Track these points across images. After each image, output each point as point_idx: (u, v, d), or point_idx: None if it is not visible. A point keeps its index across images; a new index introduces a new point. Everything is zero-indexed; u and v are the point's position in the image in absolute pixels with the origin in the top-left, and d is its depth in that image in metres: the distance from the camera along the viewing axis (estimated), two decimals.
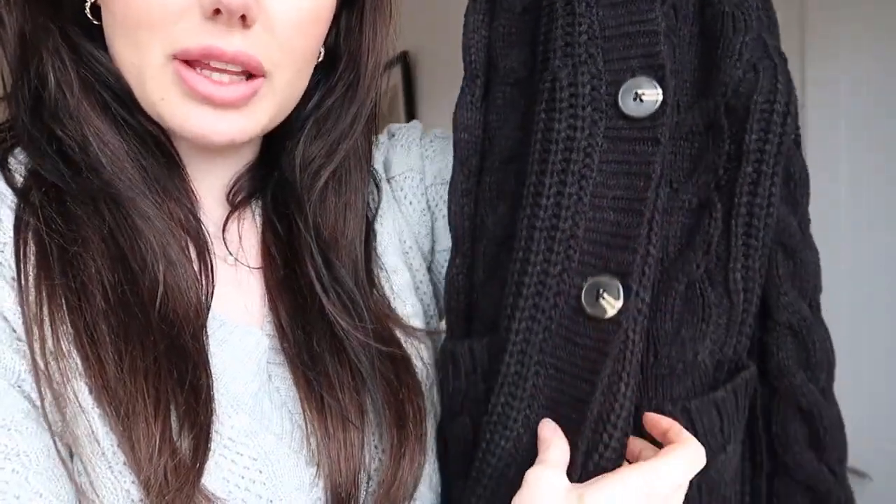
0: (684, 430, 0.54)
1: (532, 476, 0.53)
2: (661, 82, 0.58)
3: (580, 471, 0.54)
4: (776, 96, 0.59)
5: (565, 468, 0.55)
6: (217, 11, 0.54)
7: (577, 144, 0.58)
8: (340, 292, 0.63)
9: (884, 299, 1.47)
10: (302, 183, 0.65)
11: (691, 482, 0.54)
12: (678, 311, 0.58)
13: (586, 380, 0.55)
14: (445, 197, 0.71)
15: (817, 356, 0.64)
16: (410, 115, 2.40)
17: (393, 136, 0.77)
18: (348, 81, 0.66)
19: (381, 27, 0.67)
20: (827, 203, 1.52)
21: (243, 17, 0.54)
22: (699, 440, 0.54)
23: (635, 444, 0.57)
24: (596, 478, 0.53)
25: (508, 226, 0.64)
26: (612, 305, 0.56)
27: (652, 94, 0.58)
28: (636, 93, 0.58)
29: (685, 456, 0.52)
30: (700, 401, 0.56)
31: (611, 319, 0.56)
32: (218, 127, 0.57)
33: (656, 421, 0.56)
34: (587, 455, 0.55)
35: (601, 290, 0.56)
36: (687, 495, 0.54)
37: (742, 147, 0.59)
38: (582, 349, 0.56)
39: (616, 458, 0.55)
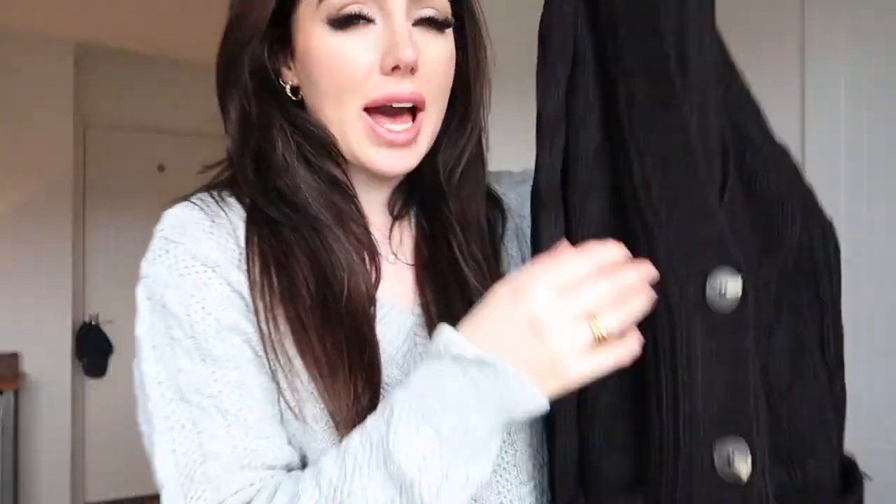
0: None
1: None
2: (739, 270, 0.65)
3: None
4: (829, 248, 0.70)
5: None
6: (395, 68, 0.74)
7: (679, 334, 0.67)
8: (472, 260, 0.83)
9: (883, 299, 1.47)
10: (443, 180, 0.85)
11: None
12: (806, 426, 0.72)
13: None
14: None
15: None
16: None
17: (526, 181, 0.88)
18: (464, 105, 0.85)
19: (481, 58, 0.85)
20: (826, 203, 1.49)
21: (412, 69, 0.74)
22: None
23: None
24: None
25: None
26: (744, 467, 0.67)
27: (734, 285, 0.65)
28: (719, 289, 0.66)
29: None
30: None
31: (748, 483, 0.67)
32: (395, 164, 0.79)
33: None
34: None
35: (732, 453, 0.68)
36: None
37: (819, 294, 0.69)
38: None
39: None
